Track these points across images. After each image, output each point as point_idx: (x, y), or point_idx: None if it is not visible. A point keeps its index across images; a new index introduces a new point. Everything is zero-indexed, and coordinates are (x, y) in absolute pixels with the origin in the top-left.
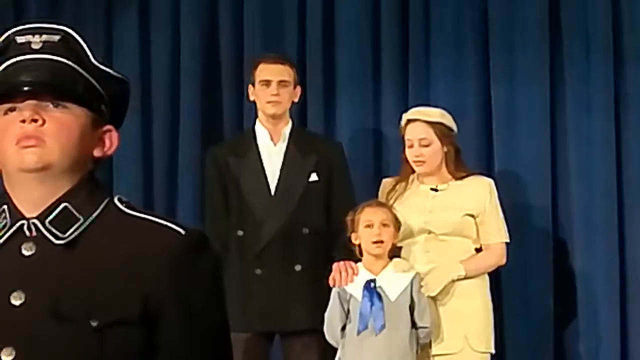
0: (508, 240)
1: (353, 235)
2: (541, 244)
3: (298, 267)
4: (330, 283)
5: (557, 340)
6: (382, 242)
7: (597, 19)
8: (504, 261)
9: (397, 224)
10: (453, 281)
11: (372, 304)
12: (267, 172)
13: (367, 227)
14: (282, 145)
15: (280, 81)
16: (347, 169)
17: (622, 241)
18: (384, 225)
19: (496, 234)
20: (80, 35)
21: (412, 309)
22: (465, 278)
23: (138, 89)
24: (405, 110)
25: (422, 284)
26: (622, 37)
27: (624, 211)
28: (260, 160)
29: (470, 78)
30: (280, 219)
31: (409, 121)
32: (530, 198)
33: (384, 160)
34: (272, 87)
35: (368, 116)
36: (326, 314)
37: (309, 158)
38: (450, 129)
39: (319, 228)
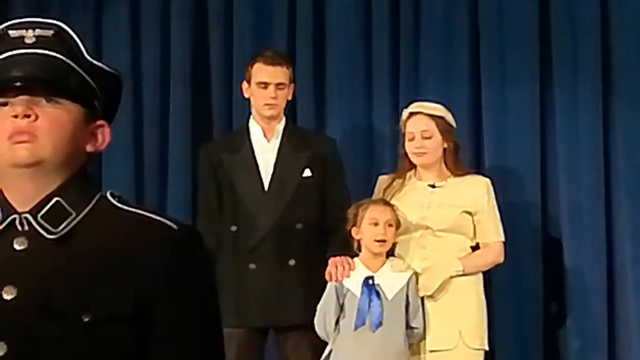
0: (504, 239)
1: (354, 230)
2: (531, 242)
3: (292, 262)
4: (327, 277)
5: (547, 336)
6: (385, 241)
7: (585, 19)
8: (502, 259)
9: (398, 224)
10: (451, 277)
11: (370, 301)
12: (260, 168)
13: (372, 224)
14: (276, 142)
15: (278, 84)
16: (342, 165)
17: (610, 239)
18: (389, 225)
19: (494, 232)
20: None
21: (407, 308)
22: (463, 275)
23: (127, 85)
24: (406, 107)
25: (418, 285)
26: (611, 36)
27: (612, 209)
28: (254, 157)
29: (461, 77)
30: (274, 214)
31: (410, 114)
32: (520, 196)
33: (375, 158)
34: (269, 90)
35: (358, 114)
36: (319, 307)
37: (303, 154)
38: (451, 125)
39: (312, 223)
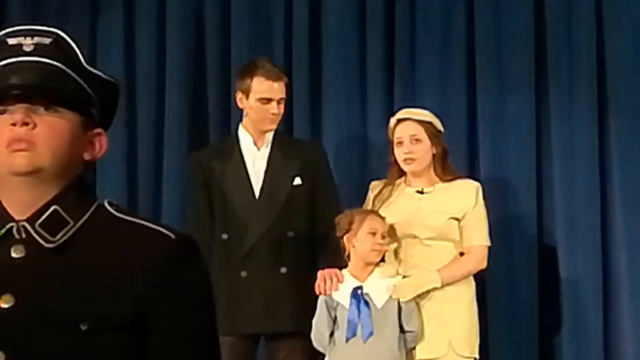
0: (489, 244)
1: (347, 237)
2: (526, 251)
3: (283, 270)
4: (316, 291)
5: (542, 345)
6: (381, 251)
7: (581, 29)
8: (484, 265)
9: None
10: (428, 291)
11: (359, 312)
12: (250, 176)
13: (371, 234)
14: (266, 150)
15: (280, 99)
16: (331, 172)
17: (606, 248)
18: (383, 237)
19: (477, 236)
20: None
21: (399, 313)
22: (449, 284)
23: (123, 91)
24: (393, 114)
25: (394, 290)
26: (607, 47)
27: (607, 218)
28: (244, 165)
29: (457, 86)
30: (265, 222)
31: (398, 121)
32: (515, 206)
33: (370, 166)
34: (272, 106)
35: (354, 123)
36: (314, 321)
37: (293, 162)
38: (440, 131)
39: (303, 231)
